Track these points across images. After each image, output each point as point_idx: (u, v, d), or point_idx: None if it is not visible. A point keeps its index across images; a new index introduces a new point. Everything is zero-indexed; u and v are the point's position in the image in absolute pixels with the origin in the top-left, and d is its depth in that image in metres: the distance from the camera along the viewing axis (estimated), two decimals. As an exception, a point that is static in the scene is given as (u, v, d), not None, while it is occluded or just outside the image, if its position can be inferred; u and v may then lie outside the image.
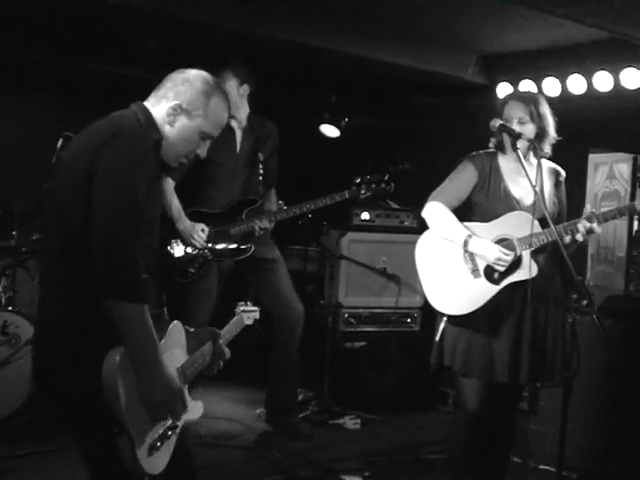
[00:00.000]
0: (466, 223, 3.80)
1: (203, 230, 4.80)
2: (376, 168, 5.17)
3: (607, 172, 5.75)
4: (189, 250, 4.84)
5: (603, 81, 5.42)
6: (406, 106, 6.86)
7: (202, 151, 2.75)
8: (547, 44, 5.57)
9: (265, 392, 5.32)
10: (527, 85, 5.81)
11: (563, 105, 4.59)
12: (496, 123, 3.74)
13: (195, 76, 2.68)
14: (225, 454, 4.78)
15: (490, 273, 3.72)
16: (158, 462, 2.53)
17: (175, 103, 2.63)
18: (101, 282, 2.36)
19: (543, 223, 3.61)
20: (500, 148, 3.87)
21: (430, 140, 6.56)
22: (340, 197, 5.03)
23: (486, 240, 3.71)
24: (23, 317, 4.90)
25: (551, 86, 5.69)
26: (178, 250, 4.84)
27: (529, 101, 3.78)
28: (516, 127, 3.72)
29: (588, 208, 3.69)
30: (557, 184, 3.88)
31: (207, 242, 4.81)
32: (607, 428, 4.61)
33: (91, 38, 5.51)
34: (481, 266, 3.73)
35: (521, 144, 3.68)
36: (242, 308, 3.31)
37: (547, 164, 3.89)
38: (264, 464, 4.68)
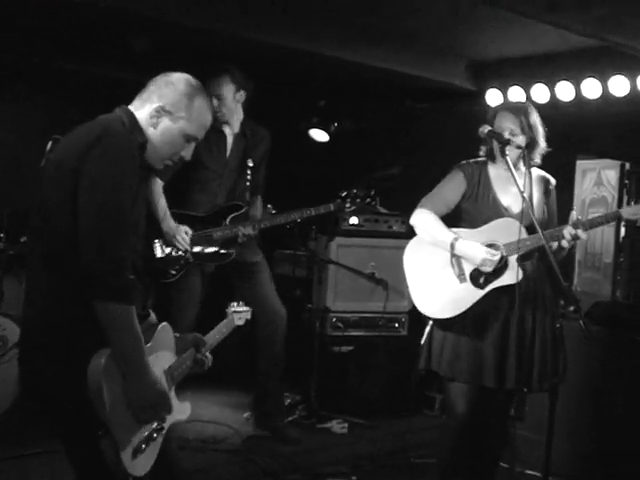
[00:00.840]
0: (454, 229, 3.83)
1: (187, 232, 4.76)
2: (365, 173, 5.18)
3: (595, 178, 5.78)
4: (171, 251, 4.82)
5: (591, 88, 5.44)
6: (396, 111, 6.87)
7: (187, 153, 2.75)
8: (536, 51, 5.60)
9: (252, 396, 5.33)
10: (516, 91, 5.82)
11: (551, 112, 4.63)
12: (485, 129, 3.76)
13: (178, 79, 2.70)
14: (213, 458, 4.76)
15: (476, 278, 3.75)
16: (143, 464, 2.52)
17: (158, 105, 2.65)
18: (89, 282, 2.36)
19: (531, 230, 3.64)
20: (490, 156, 3.90)
21: (419, 145, 6.57)
22: (325, 209, 5.06)
23: (473, 242, 3.73)
24: (11, 319, 4.87)
25: (540, 93, 5.71)
26: (160, 251, 4.81)
27: (519, 112, 3.81)
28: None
29: (574, 215, 3.71)
30: (547, 192, 3.91)
31: (190, 245, 4.79)
32: (594, 434, 4.63)
33: (87, 42, 5.50)
34: (467, 271, 3.76)
35: (511, 152, 3.70)
36: (233, 309, 3.29)
37: (537, 172, 3.91)
38: (252, 468, 4.67)
